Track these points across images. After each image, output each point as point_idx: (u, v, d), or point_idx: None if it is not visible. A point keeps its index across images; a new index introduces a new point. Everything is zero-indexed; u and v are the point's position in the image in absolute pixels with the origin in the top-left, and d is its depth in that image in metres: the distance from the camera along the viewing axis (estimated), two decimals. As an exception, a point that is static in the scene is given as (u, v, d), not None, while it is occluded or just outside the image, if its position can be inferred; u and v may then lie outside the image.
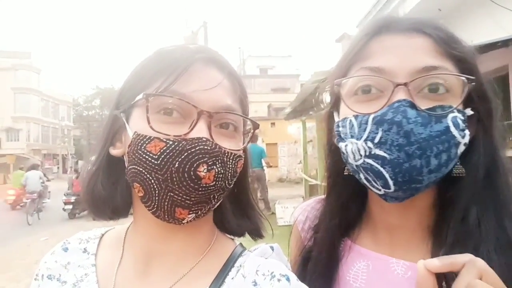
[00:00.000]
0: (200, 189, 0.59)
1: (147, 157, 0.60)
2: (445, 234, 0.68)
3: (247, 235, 0.77)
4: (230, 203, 0.75)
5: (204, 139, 0.59)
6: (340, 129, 0.73)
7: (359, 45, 0.73)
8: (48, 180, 14.96)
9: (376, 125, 0.65)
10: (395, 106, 0.64)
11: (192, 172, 0.58)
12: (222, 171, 0.61)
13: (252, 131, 0.70)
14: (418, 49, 0.67)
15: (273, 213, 8.81)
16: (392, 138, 0.63)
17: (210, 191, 0.61)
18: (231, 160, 0.63)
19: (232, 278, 0.65)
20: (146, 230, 0.68)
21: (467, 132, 0.67)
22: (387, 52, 0.69)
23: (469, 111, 0.68)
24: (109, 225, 0.78)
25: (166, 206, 0.60)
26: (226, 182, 0.63)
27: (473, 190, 0.67)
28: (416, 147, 0.62)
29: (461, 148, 0.67)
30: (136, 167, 0.61)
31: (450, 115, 0.65)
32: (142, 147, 0.60)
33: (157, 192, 0.60)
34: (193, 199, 0.60)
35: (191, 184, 0.59)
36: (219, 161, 0.61)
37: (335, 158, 0.81)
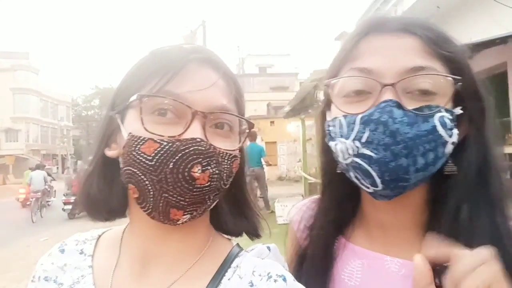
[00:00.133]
0: (195, 190, 0.59)
1: (141, 158, 0.59)
2: (437, 232, 0.69)
3: (245, 234, 0.76)
4: (226, 203, 0.74)
5: (198, 140, 0.59)
6: (331, 128, 0.75)
7: (349, 46, 0.74)
8: (54, 180, 15.78)
9: (364, 125, 0.66)
10: (382, 106, 0.65)
11: (186, 173, 0.58)
12: (217, 171, 0.61)
13: (247, 131, 0.70)
14: (406, 50, 0.68)
15: (273, 212, 8.83)
16: (379, 137, 0.64)
17: (205, 192, 0.60)
18: (226, 160, 0.63)
19: (229, 279, 0.65)
20: (142, 231, 0.68)
21: (455, 131, 0.67)
22: (375, 52, 0.70)
23: (458, 110, 0.69)
24: (108, 225, 0.78)
25: (160, 207, 0.60)
26: (222, 182, 0.63)
27: (464, 187, 0.68)
28: (402, 146, 0.63)
29: (449, 147, 0.68)
30: (130, 168, 0.61)
31: (437, 115, 0.65)
32: (136, 148, 0.60)
33: (151, 193, 0.60)
34: (187, 200, 0.59)
35: (186, 185, 0.58)
36: (214, 161, 0.60)
37: (328, 157, 0.82)
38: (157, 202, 0.60)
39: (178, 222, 0.62)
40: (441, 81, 0.67)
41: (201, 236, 0.71)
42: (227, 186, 0.66)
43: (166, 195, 0.59)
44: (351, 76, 0.71)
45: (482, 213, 0.68)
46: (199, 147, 0.58)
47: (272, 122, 22.38)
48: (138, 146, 0.60)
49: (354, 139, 0.67)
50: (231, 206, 0.75)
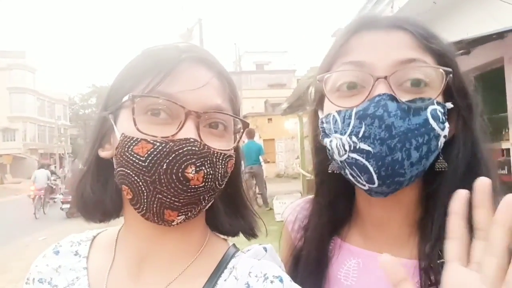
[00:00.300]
0: (189, 190, 0.58)
1: (134, 159, 0.59)
2: (430, 228, 0.69)
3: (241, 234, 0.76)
4: (222, 203, 0.74)
5: (192, 140, 0.58)
6: (325, 125, 0.74)
7: (340, 42, 0.74)
8: (59, 177, 16.58)
9: (359, 119, 0.66)
10: (376, 100, 0.65)
11: (180, 174, 0.57)
12: (211, 172, 0.60)
13: (242, 130, 0.69)
14: (397, 44, 0.69)
15: (271, 209, 8.84)
16: (375, 132, 0.64)
17: (200, 193, 0.60)
18: (221, 161, 0.62)
19: (225, 280, 0.64)
20: (137, 232, 0.67)
21: (446, 124, 0.68)
22: (367, 47, 0.70)
23: (449, 105, 0.70)
24: (104, 226, 0.77)
25: (155, 208, 0.60)
26: (217, 182, 0.62)
27: (455, 183, 0.68)
28: (398, 139, 0.64)
29: (441, 141, 0.68)
30: (124, 169, 0.60)
31: (430, 107, 0.66)
32: (130, 149, 0.59)
33: (145, 194, 0.59)
34: (182, 201, 0.59)
35: (180, 186, 0.58)
36: (208, 161, 0.60)
37: (321, 156, 0.82)
38: (151, 203, 0.59)
39: (172, 223, 0.61)
40: (433, 74, 0.68)
41: (197, 237, 0.70)
42: (222, 187, 0.65)
43: (160, 196, 0.58)
44: (344, 70, 0.70)
45: None
46: (193, 148, 0.58)
47: (269, 119, 22.38)
48: (131, 146, 0.59)
49: (350, 134, 0.67)
50: (227, 206, 0.74)
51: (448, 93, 0.70)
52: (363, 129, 0.65)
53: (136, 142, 0.59)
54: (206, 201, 0.63)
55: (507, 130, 4.71)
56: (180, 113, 0.60)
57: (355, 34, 0.73)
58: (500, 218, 0.45)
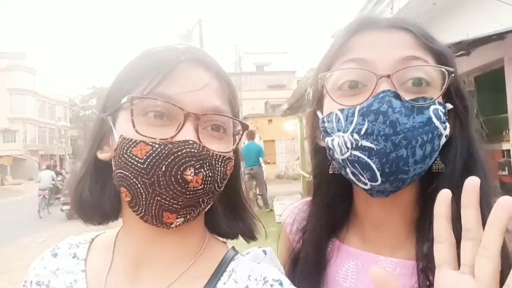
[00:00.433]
0: (188, 193, 0.58)
1: (133, 161, 0.58)
2: (428, 229, 0.68)
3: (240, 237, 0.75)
4: (221, 206, 0.73)
5: (191, 142, 0.58)
6: (326, 124, 0.73)
7: (340, 42, 0.73)
8: (64, 178, 16.82)
9: (363, 116, 0.65)
10: (381, 96, 0.64)
11: (179, 176, 0.57)
12: (210, 174, 0.60)
13: (241, 132, 0.69)
14: (399, 43, 0.69)
15: (272, 210, 8.83)
16: (379, 128, 0.63)
17: (199, 195, 0.59)
18: (220, 163, 0.62)
19: (224, 283, 0.64)
20: (136, 235, 0.67)
21: (447, 124, 0.69)
22: (368, 45, 0.70)
23: (449, 105, 0.70)
24: (102, 228, 0.76)
25: (153, 211, 0.59)
26: (216, 185, 0.62)
27: (451, 184, 0.67)
28: (402, 136, 0.63)
29: (443, 140, 0.68)
30: (122, 171, 0.60)
31: (432, 107, 0.66)
32: (128, 151, 0.59)
33: (144, 196, 0.59)
34: (180, 203, 0.58)
35: (178, 188, 0.57)
36: (207, 164, 0.59)
37: (319, 158, 0.82)
38: (149, 205, 0.59)
39: (171, 226, 0.61)
40: (434, 74, 0.68)
41: (196, 239, 0.70)
42: (221, 189, 0.65)
43: (159, 198, 0.58)
44: (347, 68, 0.70)
45: None
46: (192, 150, 0.57)
47: (270, 121, 22.36)
48: (130, 148, 0.59)
49: (352, 132, 0.66)
50: (226, 209, 0.74)
51: (447, 95, 0.70)
52: (366, 126, 0.64)
53: (134, 144, 0.59)
54: (205, 204, 0.62)
55: (507, 131, 4.70)
56: (179, 115, 0.60)
57: (356, 34, 0.72)
58: (494, 220, 0.44)
